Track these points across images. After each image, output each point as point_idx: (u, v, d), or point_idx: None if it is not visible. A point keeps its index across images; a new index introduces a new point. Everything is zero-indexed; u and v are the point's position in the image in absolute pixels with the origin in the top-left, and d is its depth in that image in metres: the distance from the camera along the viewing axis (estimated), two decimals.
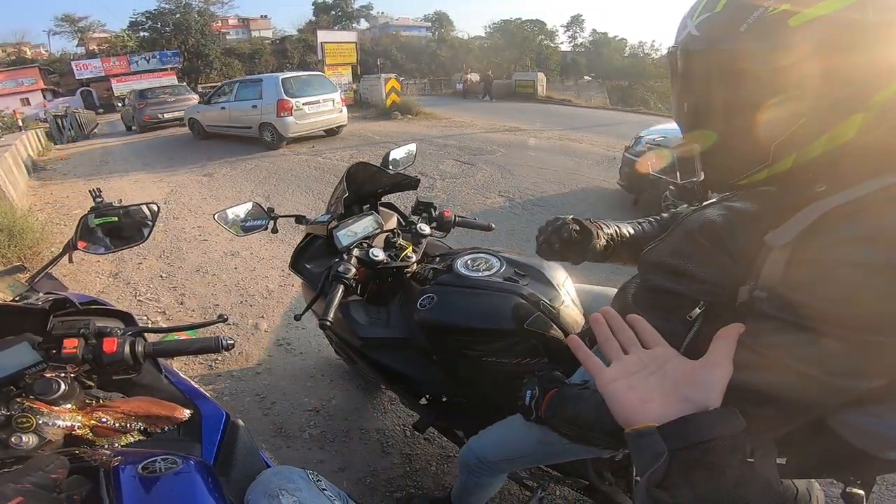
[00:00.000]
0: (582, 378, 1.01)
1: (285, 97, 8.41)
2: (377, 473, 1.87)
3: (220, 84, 11.36)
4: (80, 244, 1.02)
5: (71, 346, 0.79)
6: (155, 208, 1.11)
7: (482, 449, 1.18)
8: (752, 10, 0.57)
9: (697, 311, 0.68)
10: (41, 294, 0.95)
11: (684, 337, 0.69)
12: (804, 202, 0.60)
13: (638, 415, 0.51)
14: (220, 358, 2.53)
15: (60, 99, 29.02)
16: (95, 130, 14.74)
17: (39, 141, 11.33)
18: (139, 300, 3.25)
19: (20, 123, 12.29)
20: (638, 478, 1.16)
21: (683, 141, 0.70)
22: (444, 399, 1.45)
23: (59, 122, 13.18)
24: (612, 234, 1.04)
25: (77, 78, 31.92)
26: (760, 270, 0.59)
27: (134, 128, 13.51)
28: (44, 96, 30.36)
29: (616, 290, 1.01)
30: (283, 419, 2.13)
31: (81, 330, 0.82)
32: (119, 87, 30.28)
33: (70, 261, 1.01)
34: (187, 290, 3.37)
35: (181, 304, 3.18)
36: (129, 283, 3.51)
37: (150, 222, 1.12)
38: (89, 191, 1.05)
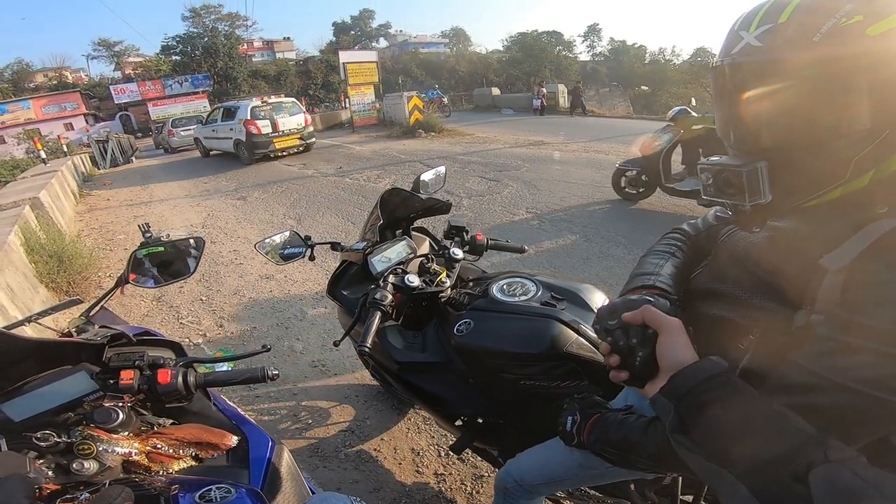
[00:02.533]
0: (625, 402, 1.00)
1: None
2: (411, 494, 1.87)
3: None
4: (132, 277, 1.07)
5: (127, 377, 0.84)
6: (201, 241, 1.16)
7: (520, 472, 1.18)
8: (825, 20, 0.56)
9: (752, 338, 0.67)
10: (97, 326, 1.00)
11: (738, 365, 0.68)
12: (860, 223, 0.58)
13: (651, 392, 0.65)
14: None
15: (101, 123, 30.24)
16: (135, 156, 15.42)
17: (84, 166, 11.88)
18: (181, 323, 3.36)
19: (65, 149, 12.90)
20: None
21: (745, 159, 0.66)
22: (479, 420, 1.45)
23: (102, 147, 13.83)
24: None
25: (115, 102, 33.25)
26: (816, 294, 0.59)
27: (161, 148, 18.62)
28: (86, 121, 31.54)
29: None
30: (318, 439, 2.17)
31: (136, 362, 0.87)
32: (155, 111, 31.36)
33: (122, 293, 1.07)
34: (226, 312, 3.47)
35: (221, 326, 3.28)
36: (172, 306, 3.65)
37: (196, 254, 1.18)
38: (138, 226, 1.11)
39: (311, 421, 2.29)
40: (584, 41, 43.71)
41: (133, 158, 14.88)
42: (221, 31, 36.72)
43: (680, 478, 1.15)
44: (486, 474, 1.91)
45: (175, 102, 31.85)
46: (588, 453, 0.96)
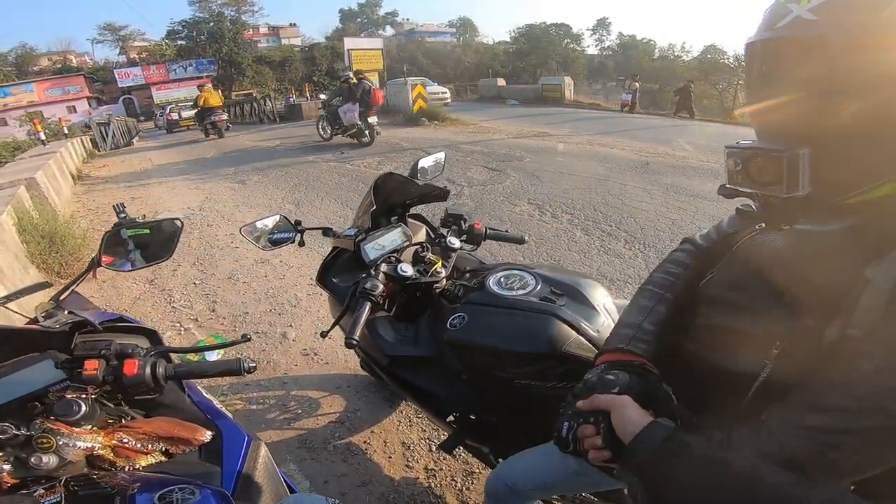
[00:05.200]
0: None
1: None
2: (400, 489, 1.83)
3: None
4: (106, 260, 1.01)
5: (91, 367, 0.79)
6: (179, 223, 1.09)
7: (512, 477, 1.12)
8: None
9: (774, 352, 0.60)
10: (66, 311, 0.95)
11: (754, 380, 0.62)
12: None
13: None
14: None
15: (104, 107, 30.35)
16: (136, 138, 15.39)
17: (84, 148, 11.81)
18: (173, 307, 3.31)
19: (65, 131, 12.83)
20: None
21: (786, 145, 0.58)
22: (472, 417, 1.39)
23: (103, 129, 13.77)
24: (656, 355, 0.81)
25: (119, 86, 33.38)
26: (854, 306, 0.52)
27: (157, 127, 22.33)
28: (89, 104, 31.71)
29: None
30: (307, 431, 2.12)
31: (102, 351, 0.81)
32: (159, 95, 31.57)
33: (94, 277, 1.00)
34: (219, 297, 3.41)
35: (213, 311, 3.22)
36: (164, 289, 3.58)
37: (175, 237, 1.11)
38: (113, 206, 1.05)
39: (300, 411, 2.24)
40: (592, 35, 43.38)
41: (134, 141, 14.81)
42: (227, 16, 36.72)
43: None
44: (478, 471, 1.87)
45: (179, 87, 31.89)
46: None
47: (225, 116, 12.25)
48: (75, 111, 30.03)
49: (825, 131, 0.55)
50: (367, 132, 9.05)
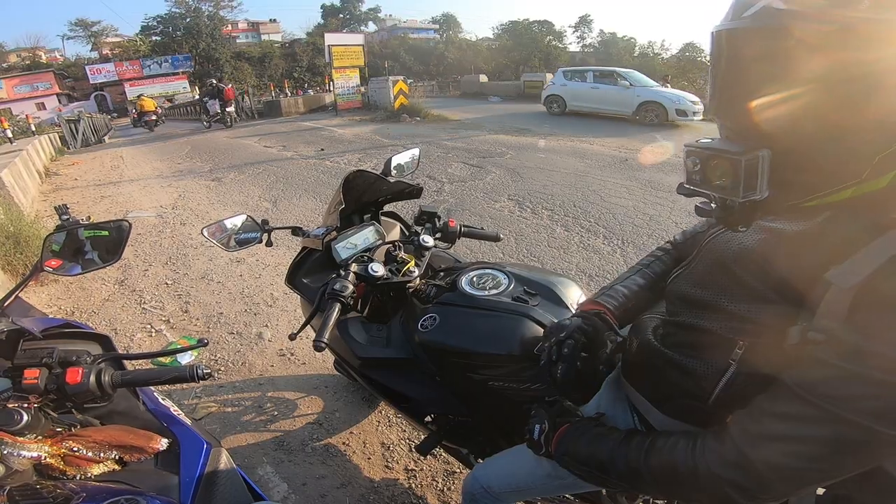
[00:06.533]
0: (596, 410, 0.92)
1: None
2: (380, 490, 1.80)
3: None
4: (53, 264, 0.95)
5: (32, 376, 0.75)
6: (127, 224, 1.03)
7: (487, 479, 1.10)
8: None
9: (738, 352, 0.58)
10: (10, 319, 0.89)
11: (717, 381, 0.60)
12: (875, 231, 0.49)
13: None
14: (222, 369, 2.48)
15: (75, 103, 29.56)
16: (108, 135, 14.95)
17: (52, 146, 11.44)
18: (144, 308, 3.21)
19: (33, 128, 12.38)
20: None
21: (743, 145, 0.54)
22: (450, 417, 1.37)
23: (73, 126, 13.32)
24: (622, 310, 0.90)
25: (91, 82, 32.58)
26: (816, 308, 0.50)
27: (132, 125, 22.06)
28: (59, 101, 30.89)
29: None
30: (284, 432, 2.07)
31: (44, 359, 0.77)
32: (132, 91, 30.86)
33: (37, 282, 0.95)
34: (192, 297, 3.32)
35: (185, 311, 3.13)
36: (135, 290, 3.48)
37: (123, 239, 1.06)
38: (55, 207, 1.00)
39: (276, 413, 2.19)
40: (574, 32, 43.54)
41: (106, 138, 14.37)
42: (205, 11, 35.86)
43: None
44: (458, 470, 1.85)
45: (153, 83, 31.17)
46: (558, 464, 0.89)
47: (154, 117, 16.60)
48: (44, 108, 29.25)
49: (787, 131, 0.52)
50: (227, 118, 14.02)
